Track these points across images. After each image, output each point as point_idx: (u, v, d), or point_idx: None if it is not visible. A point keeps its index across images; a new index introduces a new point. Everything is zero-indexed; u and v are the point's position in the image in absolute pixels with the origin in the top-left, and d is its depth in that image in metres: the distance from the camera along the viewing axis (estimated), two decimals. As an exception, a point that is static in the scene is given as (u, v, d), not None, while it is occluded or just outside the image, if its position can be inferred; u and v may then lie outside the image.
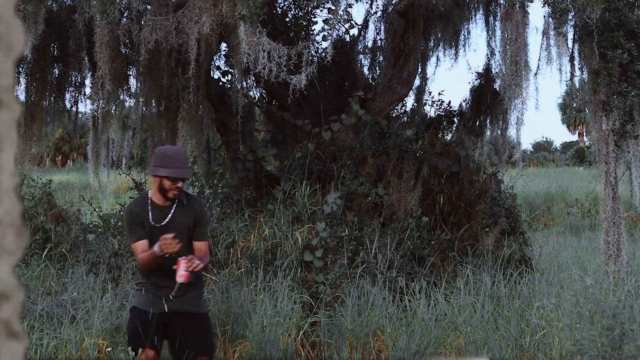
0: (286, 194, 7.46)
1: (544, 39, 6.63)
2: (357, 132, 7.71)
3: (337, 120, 7.71)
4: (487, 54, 8.93)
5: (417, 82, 9.00)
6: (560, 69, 6.65)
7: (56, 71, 7.86)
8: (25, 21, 5.75)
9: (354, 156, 7.43)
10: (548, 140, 73.96)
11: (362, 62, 9.50)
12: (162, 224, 3.98)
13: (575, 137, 66.85)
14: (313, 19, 9.09)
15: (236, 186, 7.83)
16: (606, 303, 2.98)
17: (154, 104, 7.54)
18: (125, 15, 6.81)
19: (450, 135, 9.06)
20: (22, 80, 7.47)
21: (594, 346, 2.92)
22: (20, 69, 7.34)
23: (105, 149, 7.84)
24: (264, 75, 5.68)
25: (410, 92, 8.92)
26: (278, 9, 9.06)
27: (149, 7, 6.83)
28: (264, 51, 5.58)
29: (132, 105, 8.06)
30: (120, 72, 7.13)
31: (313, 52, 7.83)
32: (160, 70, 6.85)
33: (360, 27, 9.54)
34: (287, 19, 9.12)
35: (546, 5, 6.14)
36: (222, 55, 8.69)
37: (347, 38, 9.35)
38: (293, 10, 9.20)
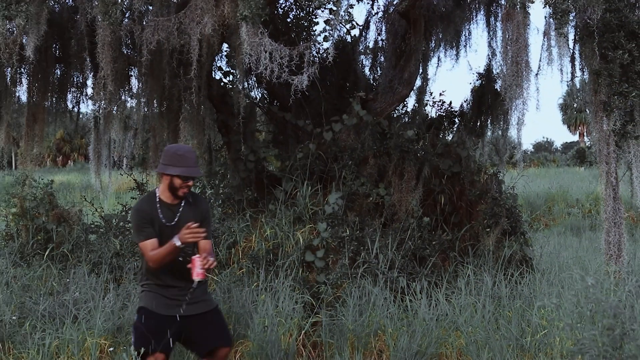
0: (287, 195, 7.48)
1: (545, 39, 6.64)
2: (358, 132, 7.73)
3: (338, 120, 7.72)
4: (488, 55, 8.95)
5: (418, 82, 9.03)
6: (561, 70, 6.66)
7: (58, 72, 7.88)
8: (27, 22, 5.77)
9: (355, 156, 7.44)
10: (549, 140, 74.08)
11: (364, 63, 9.53)
12: (173, 222, 3.98)
13: (575, 138, 66.92)
14: (314, 20, 9.12)
15: (237, 186, 7.85)
16: (607, 303, 2.99)
17: (155, 105, 7.56)
18: (126, 15, 6.83)
19: (451, 135, 9.09)
20: (24, 81, 7.50)
21: (595, 346, 2.93)
22: (23, 69, 7.36)
23: (107, 149, 7.86)
24: (265, 75, 5.69)
25: (412, 93, 8.94)
26: (279, 9, 9.08)
27: (150, 7, 6.85)
28: (265, 52, 5.59)
29: (133, 105, 8.08)
30: (122, 72, 7.15)
31: (314, 52, 7.85)
32: (162, 70, 6.87)
33: (361, 27, 9.57)
34: (289, 20, 9.15)
35: (547, 6, 6.15)
36: (223, 56, 8.72)
37: (349, 39, 9.37)
38: (294, 10, 9.22)
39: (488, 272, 6.47)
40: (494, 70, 9.02)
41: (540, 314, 5.27)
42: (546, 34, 6.61)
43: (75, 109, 8.42)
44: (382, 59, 9.38)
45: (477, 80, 9.21)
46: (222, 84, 8.33)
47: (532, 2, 6.28)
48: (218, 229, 6.96)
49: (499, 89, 8.52)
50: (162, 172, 3.97)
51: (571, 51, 6.76)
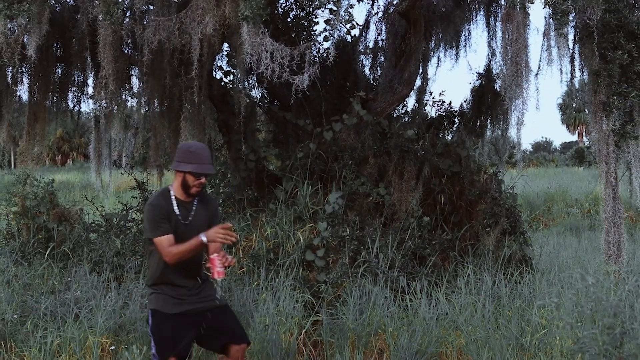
0: (288, 194, 7.50)
1: (545, 39, 6.66)
2: (358, 132, 7.75)
3: (338, 120, 7.74)
4: (488, 55, 8.98)
5: (418, 82, 9.05)
6: (560, 70, 6.69)
7: (59, 71, 7.90)
8: (29, 21, 5.79)
9: (356, 156, 7.46)
10: (548, 140, 74.14)
11: (364, 63, 9.56)
12: (187, 221, 3.96)
13: (574, 138, 66.96)
14: (314, 20, 9.14)
15: (238, 186, 7.87)
16: (607, 302, 3.01)
17: (156, 104, 7.58)
18: (127, 15, 6.84)
19: (451, 135, 9.11)
20: (25, 80, 7.51)
21: (596, 344, 2.95)
22: (24, 68, 7.38)
23: (108, 148, 7.88)
24: (266, 75, 5.71)
25: (412, 93, 8.96)
26: (279, 9, 9.10)
27: (151, 7, 6.87)
28: (266, 52, 5.61)
29: (134, 105, 8.10)
30: (123, 72, 7.17)
31: (315, 52, 7.87)
32: (163, 70, 6.88)
33: (361, 27, 9.59)
34: (289, 19, 9.16)
35: (547, 7, 6.17)
36: (224, 56, 8.74)
37: (349, 38, 9.39)
38: (294, 10, 9.23)
39: (488, 271, 6.49)
40: (493, 70, 9.04)
41: (540, 313, 5.29)
42: (546, 34, 6.64)
43: (76, 108, 8.43)
44: (382, 58, 9.40)
45: (476, 80, 9.24)
46: (222, 83, 8.35)
47: (532, 3, 6.31)
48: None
49: (498, 89, 8.54)
50: (175, 169, 3.97)
51: (571, 51, 6.78)
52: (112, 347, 5.17)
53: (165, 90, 7.13)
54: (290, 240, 6.77)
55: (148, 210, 3.93)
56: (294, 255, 6.54)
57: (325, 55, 8.24)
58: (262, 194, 7.86)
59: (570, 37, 6.69)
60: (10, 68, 7.16)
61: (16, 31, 6.24)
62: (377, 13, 9.64)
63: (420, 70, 8.98)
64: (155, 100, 7.55)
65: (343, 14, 6.37)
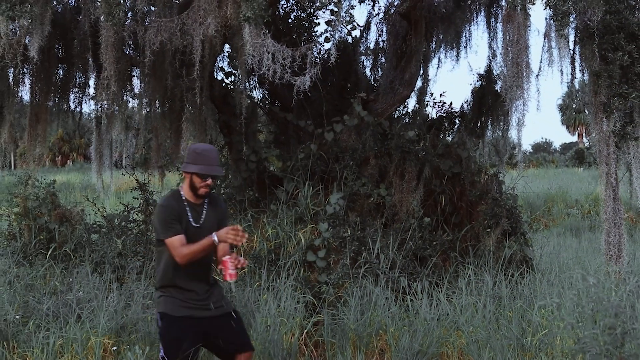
0: (289, 195, 7.51)
1: (546, 40, 6.67)
2: (359, 133, 7.77)
3: (339, 121, 7.76)
4: (489, 56, 8.99)
5: (418, 83, 9.06)
6: (561, 71, 6.70)
7: (60, 72, 7.92)
8: (31, 23, 5.80)
9: (357, 157, 7.48)
10: (547, 141, 74.14)
11: (364, 64, 9.57)
12: (198, 224, 3.94)
13: (574, 138, 66.97)
14: (315, 21, 9.16)
15: (239, 187, 7.88)
16: (608, 302, 3.03)
17: (157, 105, 7.59)
18: (129, 16, 6.86)
19: (451, 136, 9.13)
20: (27, 81, 7.53)
21: (597, 344, 2.97)
22: (25, 69, 7.39)
23: (109, 149, 7.90)
24: (268, 76, 5.72)
25: (412, 94, 8.98)
26: (280, 10, 9.12)
27: (153, 8, 6.88)
28: (268, 53, 5.62)
29: (135, 106, 8.12)
30: (124, 73, 7.18)
31: (315, 53, 7.89)
32: (165, 71, 6.89)
33: (362, 28, 9.60)
34: (290, 21, 9.18)
35: (548, 8, 6.18)
36: (225, 57, 8.75)
37: (349, 39, 9.40)
38: (295, 11, 9.25)
39: (488, 272, 6.50)
40: (494, 71, 9.06)
41: (541, 313, 5.31)
42: (547, 35, 6.65)
43: (78, 109, 8.45)
44: (383, 59, 9.42)
45: (477, 81, 9.26)
46: (223, 84, 8.36)
47: (533, 4, 6.32)
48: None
49: (499, 90, 8.55)
50: (183, 171, 3.98)
51: (571, 52, 6.79)
52: (114, 348, 5.18)
53: (166, 91, 7.15)
54: (292, 241, 6.78)
55: (159, 211, 3.92)
56: (295, 256, 6.55)
57: (326, 56, 8.25)
58: (263, 195, 7.87)
59: (571, 38, 6.71)
60: (12, 69, 7.18)
61: (18, 32, 6.25)
62: (377, 14, 9.67)
63: (421, 71, 9.00)
64: (156, 101, 7.58)
65: (344, 15, 6.38)
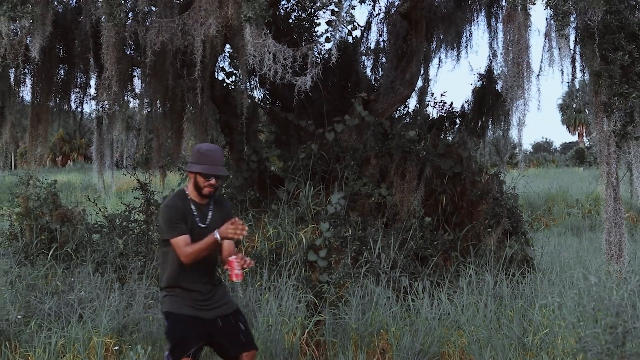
0: (290, 195, 7.52)
1: (546, 40, 6.68)
2: (360, 133, 7.78)
3: (340, 121, 7.77)
4: (489, 56, 9.00)
5: (419, 83, 9.08)
6: (561, 71, 6.71)
7: (61, 72, 7.93)
8: (33, 23, 5.81)
9: (357, 157, 7.49)
10: (548, 140, 74.14)
11: (365, 64, 9.58)
12: (205, 224, 3.93)
13: (575, 138, 66.97)
14: (316, 21, 9.16)
15: (240, 186, 7.90)
16: (610, 301, 3.04)
17: (159, 105, 7.60)
18: (130, 16, 6.87)
19: (452, 136, 9.13)
20: (28, 82, 7.54)
21: (598, 343, 2.98)
22: (26, 70, 7.40)
23: (110, 149, 7.91)
24: (269, 76, 5.73)
25: (413, 94, 8.99)
26: (281, 10, 9.13)
27: (154, 8, 6.89)
28: (269, 53, 5.63)
29: (136, 106, 8.13)
30: (125, 73, 7.19)
31: (316, 53, 7.89)
32: (166, 71, 6.91)
33: (363, 28, 9.61)
34: (290, 21, 9.19)
35: (548, 8, 6.19)
36: (226, 57, 8.76)
37: (350, 40, 9.41)
38: (296, 11, 9.26)
39: (489, 271, 6.51)
40: (494, 71, 9.06)
41: (542, 313, 5.32)
42: (547, 35, 6.65)
43: (79, 109, 8.46)
44: (384, 59, 9.43)
45: (478, 81, 9.26)
46: (224, 84, 8.37)
47: (534, 4, 6.32)
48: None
49: (499, 90, 8.55)
50: (187, 170, 3.98)
51: (572, 52, 6.80)
52: (116, 348, 5.20)
53: (167, 92, 7.17)
54: (293, 241, 6.79)
55: (164, 211, 3.92)
56: (296, 255, 6.56)
57: (327, 56, 8.26)
58: (264, 195, 7.88)
59: (572, 38, 6.72)
60: (14, 69, 7.19)
61: (19, 33, 6.26)
62: (378, 14, 9.67)
63: (422, 71, 9.01)
64: (157, 101, 7.59)
65: (344, 15, 6.38)
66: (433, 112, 9.44)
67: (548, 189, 19.56)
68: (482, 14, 8.84)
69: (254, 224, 7.21)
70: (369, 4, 9.70)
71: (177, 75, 6.89)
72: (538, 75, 6.73)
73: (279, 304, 5.68)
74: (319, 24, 9.22)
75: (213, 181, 3.91)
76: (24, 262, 7.08)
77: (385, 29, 9.42)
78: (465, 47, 9.18)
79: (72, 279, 6.36)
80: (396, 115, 9.12)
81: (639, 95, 6.20)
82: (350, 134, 7.77)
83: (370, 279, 6.17)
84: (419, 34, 8.27)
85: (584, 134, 62.00)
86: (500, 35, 8.49)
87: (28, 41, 6.33)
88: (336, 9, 6.53)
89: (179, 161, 7.90)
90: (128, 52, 7.37)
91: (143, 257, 6.87)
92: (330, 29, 7.34)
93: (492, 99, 8.99)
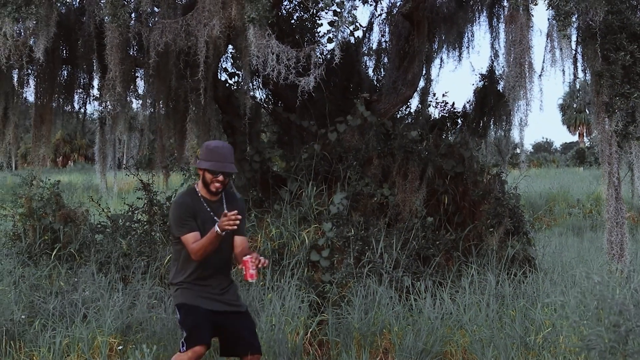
0: (293, 195, 7.54)
1: (548, 41, 6.69)
2: (362, 133, 7.80)
3: (342, 121, 7.79)
4: (491, 56, 9.02)
5: (421, 83, 9.09)
6: (563, 71, 6.72)
7: (65, 73, 7.95)
8: (37, 24, 5.83)
9: (360, 157, 7.51)
10: (548, 141, 74.05)
11: (367, 64, 9.60)
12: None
13: (575, 138, 66.92)
14: (318, 21, 9.19)
15: (243, 187, 7.91)
16: (612, 300, 3.06)
17: (162, 106, 7.62)
18: (133, 17, 6.89)
19: (454, 136, 9.15)
20: (32, 82, 7.56)
21: (601, 342, 3.00)
22: (30, 70, 7.43)
23: (113, 150, 7.93)
24: (272, 77, 5.75)
25: (415, 94, 9.00)
26: (283, 11, 9.15)
27: (157, 9, 6.91)
28: (273, 54, 5.64)
29: (139, 106, 8.15)
30: (129, 74, 7.21)
31: (319, 54, 7.91)
32: (169, 72, 6.93)
33: (365, 29, 9.63)
34: (292, 21, 9.21)
35: (550, 8, 6.21)
36: (229, 57, 8.79)
37: (352, 40, 9.43)
38: (298, 12, 9.28)
39: (491, 271, 6.54)
40: (496, 72, 9.08)
41: (544, 312, 5.34)
42: (549, 35, 6.67)
43: (82, 110, 8.48)
44: (386, 60, 9.45)
45: (479, 81, 9.28)
46: (227, 85, 8.40)
47: (536, 5, 6.35)
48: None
49: (501, 90, 8.57)
50: (197, 167, 4.00)
51: (574, 53, 6.82)
52: (120, 347, 5.22)
53: (170, 92, 7.19)
54: (295, 241, 6.81)
55: (174, 208, 3.96)
56: (299, 255, 6.59)
57: (329, 56, 8.28)
58: (267, 195, 7.90)
59: (573, 38, 6.74)
60: (16, 70, 7.22)
61: (23, 34, 6.29)
62: (380, 15, 9.69)
63: (424, 72, 9.02)
64: (160, 102, 7.60)
65: (347, 15, 6.41)
66: (435, 112, 9.46)
67: (549, 189, 19.57)
68: (484, 14, 8.85)
69: (256, 224, 7.23)
70: (371, 5, 9.72)
71: (180, 76, 6.91)
72: (540, 76, 6.76)
73: (282, 304, 5.70)
74: (321, 24, 9.25)
75: (221, 178, 3.92)
76: (28, 263, 7.10)
77: (387, 29, 9.44)
78: (467, 47, 9.20)
79: (76, 279, 6.38)
80: (398, 116, 9.13)
81: (640, 95, 6.22)
82: (353, 134, 7.79)
83: (373, 278, 6.19)
84: (420, 35, 8.29)
85: (585, 134, 61.98)
86: (502, 35, 8.50)
87: (32, 42, 6.36)
88: (338, 10, 6.54)
89: (182, 161, 7.93)
90: (131, 53, 7.39)
91: (146, 257, 6.89)
92: (332, 29, 7.35)
93: (494, 99, 9.01)
